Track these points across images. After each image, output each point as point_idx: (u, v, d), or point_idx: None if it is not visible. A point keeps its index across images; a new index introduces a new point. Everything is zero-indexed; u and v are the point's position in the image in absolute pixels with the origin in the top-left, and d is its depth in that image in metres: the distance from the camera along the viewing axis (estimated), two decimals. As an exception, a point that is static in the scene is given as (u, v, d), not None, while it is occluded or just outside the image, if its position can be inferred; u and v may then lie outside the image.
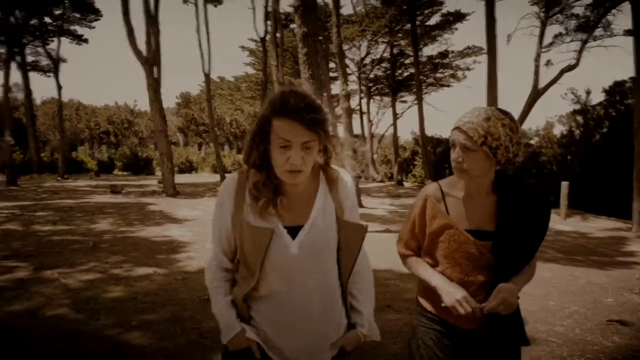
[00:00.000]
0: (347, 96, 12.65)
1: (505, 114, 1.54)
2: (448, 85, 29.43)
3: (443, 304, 1.58)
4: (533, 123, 60.88)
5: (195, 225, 9.24)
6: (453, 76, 28.54)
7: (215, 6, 26.45)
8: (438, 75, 28.48)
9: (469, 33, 24.31)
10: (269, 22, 21.11)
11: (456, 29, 24.98)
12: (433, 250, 1.70)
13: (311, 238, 1.39)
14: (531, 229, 1.59)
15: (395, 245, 1.87)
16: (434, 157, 23.23)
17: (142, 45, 15.88)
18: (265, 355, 1.42)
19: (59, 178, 24.40)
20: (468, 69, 27.21)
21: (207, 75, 23.55)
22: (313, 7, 8.98)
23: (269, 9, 21.09)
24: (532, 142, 23.18)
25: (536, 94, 16.11)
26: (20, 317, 4.04)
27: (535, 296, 4.87)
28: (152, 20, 16.30)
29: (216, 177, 24.09)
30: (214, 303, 1.47)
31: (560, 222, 11.04)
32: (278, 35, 19.15)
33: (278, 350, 1.43)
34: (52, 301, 4.47)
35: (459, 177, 1.62)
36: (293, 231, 1.39)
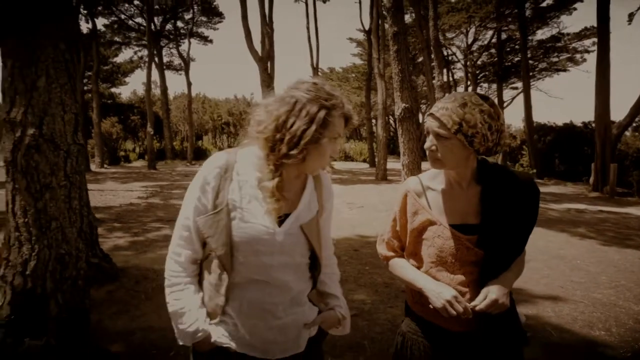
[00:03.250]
0: (442, 87, 13.13)
1: (485, 99, 1.43)
2: (565, 70, 27.62)
3: (431, 306, 1.47)
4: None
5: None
6: (571, 59, 26.74)
7: (325, 2, 27.99)
8: (553, 59, 26.89)
9: (589, 13, 22.68)
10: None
11: (574, 8, 23.43)
12: (417, 249, 1.59)
13: (296, 228, 1.37)
14: (519, 220, 1.48)
15: (377, 247, 1.76)
16: (543, 146, 22.26)
17: (257, 44, 17.82)
18: (235, 353, 1.37)
19: (188, 164, 28.04)
20: (587, 51, 25.32)
21: (315, 69, 25.20)
22: (402, 7, 9.75)
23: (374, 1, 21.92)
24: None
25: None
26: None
27: (591, 273, 5.32)
28: (266, 22, 18.16)
29: (322, 165, 25.71)
30: (177, 300, 1.36)
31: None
32: (380, 28, 19.92)
33: (249, 344, 1.36)
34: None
35: (434, 166, 1.52)
36: (278, 219, 1.35)
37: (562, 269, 5.52)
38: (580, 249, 6.47)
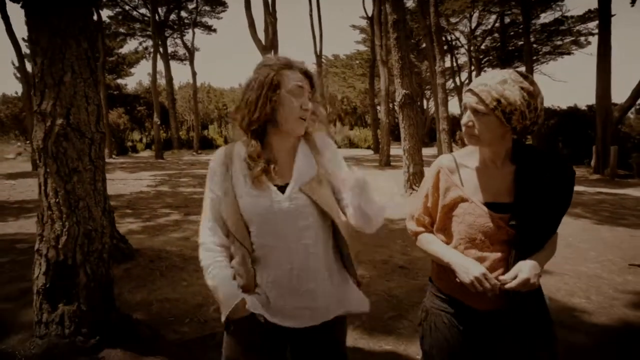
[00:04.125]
0: (443, 72, 13.30)
1: (525, 77, 1.42)
2: (569, 53, 27.54)
3: (458, 280, 1.48)
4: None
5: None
6: (575, 42, 26.65)
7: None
8: (557, 42, 26.82)
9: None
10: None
11: (578, -9, 23.32)
12: (447, 225, 1.58)
13: (297, 191, 1.45)
14: (553, 200, 1.46)
15: (406, 223, 1.77)
16: (547, 129, 22.34)
17: (260, 33, 17.98)
18: (267, 322, 1.44)
19: (194, 153, 28.40)
20: (591, 34, 25.20)
21: (318, 56, 25.34)
22: (402, -5, 9.92)
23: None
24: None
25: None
26: (178, 240, 6.01)
27: (580, 249, 5.60)
28: (269, 11, 18.31)
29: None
30: (213, 277, 1.45)
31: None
32: (383, 15, 19.99)
33: (281, 311, 1.44)
34: (196, 233, 6.43)
35: (469, 142, 1.52)
36: (281, 189, 1.45)
37: (558, 246, 5.79)
38: (574, 228, 6.73)
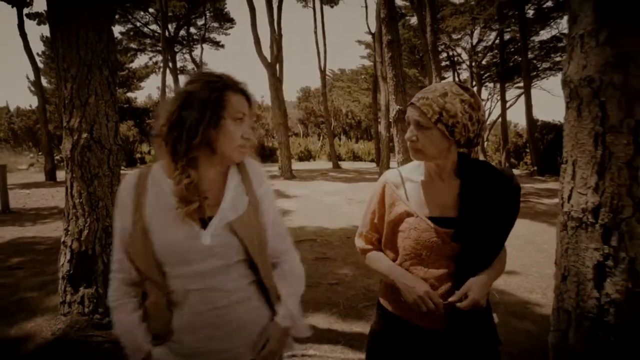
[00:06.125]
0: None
1: (466, 89, 1.42)
2: (569, 69, 28.00)
3: (403, 299, 1.46)
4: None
5: (302, 199, 11.48)
6: (575, 59, 27.12)
7: (332, 7, 28.85)
8: (556, 59, 27.35)
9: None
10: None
11: (576, 10, 23.84)
12: (393, 241, 1.55)
13: (222, 228, 1.28)
14: (497, 215, 1.44)
15: (355, 240, 1.74)
16: (545, 144, 22.82)
17: (266, 50, 18.72)
18: None
19: (202, 165, 28.98)
20: (590, 50, 25.67)
21: (322, 72, 26.07)
22: (396, 18, 10.55)
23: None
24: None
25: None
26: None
27: (552, 254, 6.06)
28: (274, 28, 19.08)
29: (329, 165, 26.52)
30: (118, 322, 1.31)
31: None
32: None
33: (194, 356, 1.31)
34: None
35: (415, 157, 1.49)
36: (202, 222, 1.28)
37: (529, 251, 6.27)
38: (552, 236, 7.10)
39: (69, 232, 3.35)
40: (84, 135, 3.26)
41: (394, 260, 1.56)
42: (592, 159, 1.59)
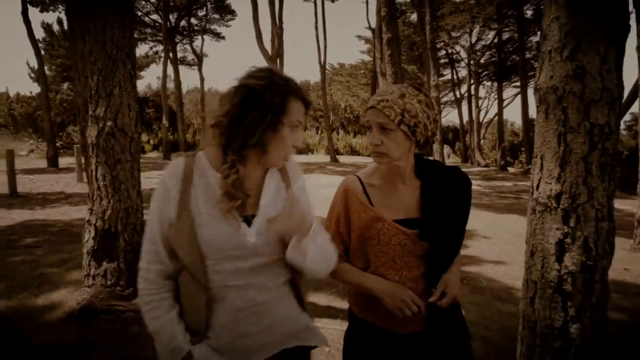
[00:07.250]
0: (437, 87, 14.19)
1: (420, 90, 1.43)
2: (566, 69, 28.34)
3: (379, 307, 1.44)
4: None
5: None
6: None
7: (333, 1, 29.06)
8: (554, 59, 27.68)
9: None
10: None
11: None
12: (362, 248, 1.52)
13: (265, 226, 1.27)
14: (457, 210, 1.50)
15: None
16: (540, 143, 23.17)
17: (267, 43, 18.97)
18: None
19: (200, 155, 29.23)
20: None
21: (322, 67, 26.32)
22: (396, 16, 10.86)
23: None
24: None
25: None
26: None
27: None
28: (276, 22, 19.32)
29: (327, 158, 26.83)
30: (154, 319, 1.26)
31: None
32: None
33: (231, 354, 1.29)
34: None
35: (379, 162, 1.47)
36: (246, 221, 1.27)
37: (517, 244, 6.62)
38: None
39: (94, 212, 3.66)
40: (109, 123, 3.56)
41: (365, 268, 1.53)
42: (556, 154, 1.93)
